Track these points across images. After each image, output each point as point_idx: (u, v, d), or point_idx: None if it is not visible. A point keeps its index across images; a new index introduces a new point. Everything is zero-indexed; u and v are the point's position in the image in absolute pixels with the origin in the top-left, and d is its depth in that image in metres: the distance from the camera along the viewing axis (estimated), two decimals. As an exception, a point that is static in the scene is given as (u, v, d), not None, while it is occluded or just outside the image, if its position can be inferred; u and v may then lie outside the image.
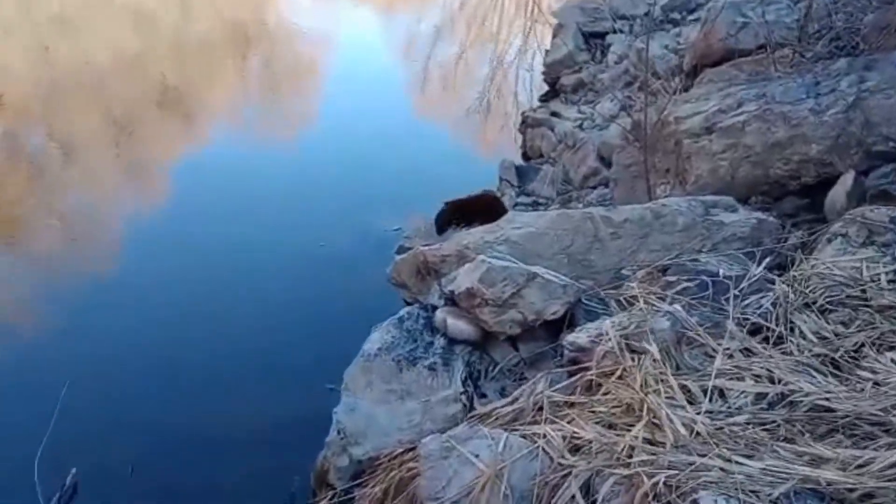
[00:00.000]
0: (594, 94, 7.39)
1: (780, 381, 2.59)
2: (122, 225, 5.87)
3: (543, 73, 8.89)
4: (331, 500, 3.10)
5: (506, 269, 3.29)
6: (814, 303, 3.02)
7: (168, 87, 9.74)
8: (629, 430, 2.42)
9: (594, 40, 8.55)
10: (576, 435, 2.51)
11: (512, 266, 3.32)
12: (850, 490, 1.99)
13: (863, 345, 2.73)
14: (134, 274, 5.04)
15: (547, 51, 9.23)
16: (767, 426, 2.41)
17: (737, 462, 2.14)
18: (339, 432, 3.15)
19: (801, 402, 2.49)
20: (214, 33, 12.79)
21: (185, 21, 13.24)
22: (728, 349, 2.81)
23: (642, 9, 8.48)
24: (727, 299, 3.09)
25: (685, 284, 3.25)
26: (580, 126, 6.65)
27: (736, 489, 1.98)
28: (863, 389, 2.48)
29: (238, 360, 4.20)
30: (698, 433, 2.36)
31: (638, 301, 3.13)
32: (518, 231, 3.75)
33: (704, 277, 3.23)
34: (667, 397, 2.54)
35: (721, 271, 3.25)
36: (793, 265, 3.34)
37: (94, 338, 4.33)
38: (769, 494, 1.97)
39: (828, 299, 3.01)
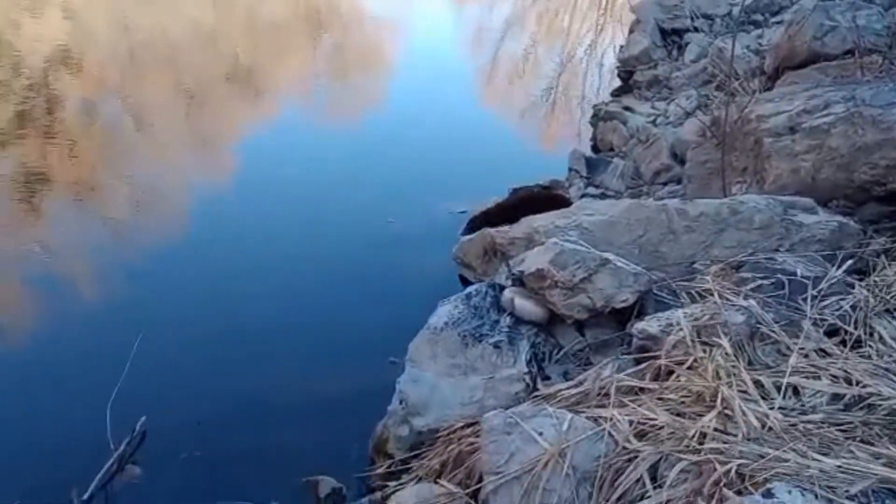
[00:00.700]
0: (669, 91, 7.29)
1: (857, 384, 2.54)
2: (193, 193, 6.00)
3: (617, 67, 8.81)
4: (388, 468, 3.14)
5: (578, 252, 3.28)
6: (895, 309, 2.95)
7: (242, 63, 9.92)
8: (699, 419, 2.39)
9: (671, 37, 8.43)
10: (643, 420, 2.50)
11: (584, 250, 3.31)
12: (931, 494, 1.95)
13: (945, 354, 2.66)
14: (207, 241, 5.14)
15: (622, 46, 9.13)
16: (843, 427, 2.37)
17: (812, 458, 2.11)
18: (401, 402, 3.19)
19: (880, 405, 2.44)
20: (289, 14, 12.96)
21: (261, 0, 13.43)
22: (803, 348, 2.77)
23: (723, 8, 8.34)
24: (804, 299, 3.04)
25: (760, 282, 3.20)
26: (653, 122, 6.57)
27: (812, 483, 1.95)
28: (944, 397, 2.42)
29: (302, 329, 4.26)
30: (771, 427, 2.33)
31: (712, 294, 3.09)
32: (590, 218, 3.74)
33: (781, 276, 3.18)
34: (739, 390, 2.51)
35: (799, 271, 3.19)
36: (874, 270, 3.26)
37: (167, 300, 4.43)
38: (846, 491, 1.94)
39: (910, 306, 2.93)
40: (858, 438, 2.29)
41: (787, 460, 2.07)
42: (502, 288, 3.51)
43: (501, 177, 5.94)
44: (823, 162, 3.93)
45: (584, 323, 3.36)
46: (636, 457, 2.35)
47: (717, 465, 2.08)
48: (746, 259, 3.43)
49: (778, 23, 7.59)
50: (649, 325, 2.95)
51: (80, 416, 3.48)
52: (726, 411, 2.38)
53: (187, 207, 5.75)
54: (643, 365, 2.83)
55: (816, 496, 1.91)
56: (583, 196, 5.63)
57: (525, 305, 3.35)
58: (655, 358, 2.81)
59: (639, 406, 2.53)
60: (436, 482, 2.80)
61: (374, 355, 3.89)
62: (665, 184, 5.61)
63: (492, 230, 4.21)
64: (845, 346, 2.81)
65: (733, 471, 2.06)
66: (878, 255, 3.40)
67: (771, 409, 2.42)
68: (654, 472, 2.31)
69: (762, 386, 2.56)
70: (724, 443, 2.22)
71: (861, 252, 3.44)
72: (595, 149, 7.24)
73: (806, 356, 2.73)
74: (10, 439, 3.36)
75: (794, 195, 3.88)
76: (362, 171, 6.39)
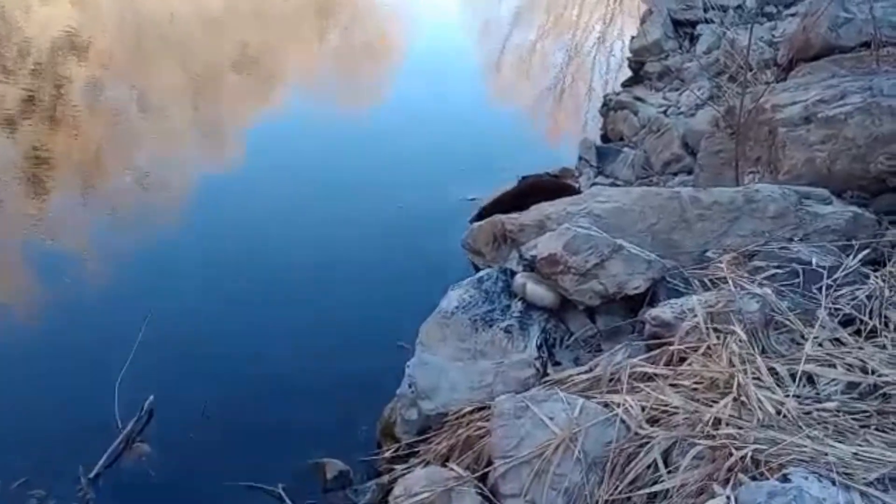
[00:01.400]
0: (680, 82, 7.24)
1: (873, 373, 2.52)
2: (202, 176, 6.00)
3: (629, 58, 8.75)
4: (395, 452, 3.12)
5: (591, 238, 3.25)
6: (911, 300, 2.92)
7: (251, 49, 9.89)
8: (713, 405, 2.37)
9: (684, 28, 8.37)
10: (655, 406, 2.48)
11: (597, 236, 3.29)
12: (950, 482, 1.92)
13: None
14: (216, 224, 5.14)
15: (633, 37, 9.07)
16: (858, 415, 2.35)
17: (828, 445, 2.09)
18: (410, 385, 3.17)
19: (895, 394, 2.41)
20: (298, 4, 12.91)
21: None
22: (818, 337, 2.74)
23: (736, 0, 8.27)
24: (819, 289, 3.01)
25: (774, 271, 3.18)
26: (664, 112, 6.53)
27: (829, 469, 1.93)
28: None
29: (312, 311, 4.26)
30: (786, 415, 2.31)
31: (725, 282, 3.07)
32: (603, 205, 3.70)
33: (795, 265, 3.16)
34: (753, 378, 2.49)
35: (814, 261, 3.17)
36: (889, 261, 3.23)
37: (176, 281, 4.42)
38: (863, 478, 1.92)
39: (926, 297, 2.90)
40: (874, 427, 2.27)
41: (803, 447, 2.05)
42: (514, 273, 3.49)
43: (511, 165, 5.91)
44: (839, 152, 3.89)
45: (596, 309, 3.33)
46: (648, 442, 2.34)
47: (733, 451, 2.06)
48: (760, 248, 3.40)
49: (792, 15, 7.52)
50: (663, 311, 2.92)
51: (88, 394, 3.47)
52: (741, 397, 2.36)
53: (196, 191, 5.75)
54: (656, 351, 2.81)
55: (834, 482, 1.88)
56: (593, 185, 5.59)
57: (536, 290, 3.32)
58: (668, 344, 2.79)
59: (651, 391, 2.50)
60: (444, 466, 2.79)
61: (382, 339, 3.88)
62: (676, 174, 5.58)
63: (502, 216, 4.18)
64: (860, 335, 2.80)
65: (749, 456, 2.04)
66: (893, 245, 3.37)
67: (786, 396, 2.40)
68: (665, 457, 2.29)
69: (777, 373, 2.55)
70: (739, 429, 2.19)
71: (876, 243, 3.41)
72: (605, 138, 7.20)
73: (821, 345, 2.71)
74: (19, 418, 3.36)
75: (808, 185, 3.85)
76: (371, 159, 6.36)
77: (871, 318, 2.83)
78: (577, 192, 5.35)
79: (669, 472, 2.20)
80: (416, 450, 3.05)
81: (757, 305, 2.84)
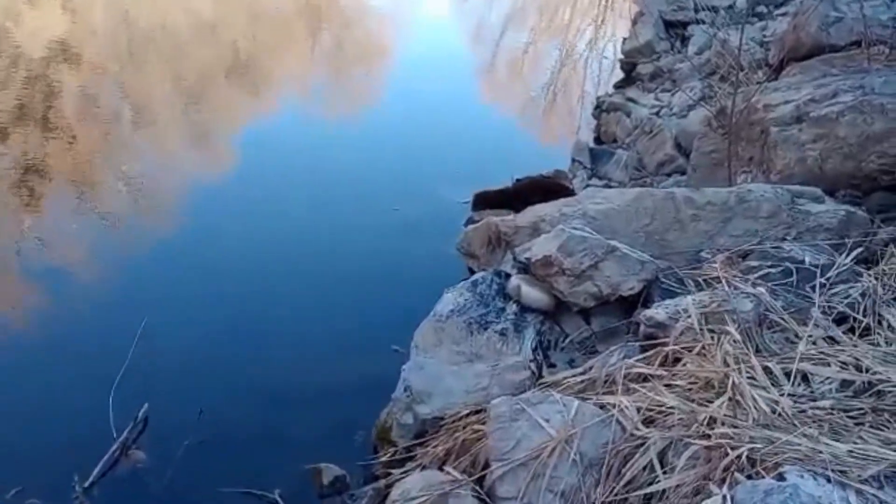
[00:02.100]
0: (672, 83, 7.26)
1: (867, 371, 2.53)
2: (196, 182, 5.99)
3: (620, 59, 8.77)
4: (392, 456, 3.12)
5: (585, 240, 3.25)
6: (904, 297, 2.93)
7: (244, 54, 9.89)
8: (709, 405, 2.37)
9: (675, 29, 8.40)
10: (651, 406, 2.47)
11: (591, 237, 3.29)
12: (945, 479, 1.93)
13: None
14: (210, 230, 5.13)
15: (625, 38, 9.09)
16: (853, 413, 2.35)
17: (824, 443, 2.09)
18: (405, 390, 3.16)
19: (890, 392, 2.42)
20: (291, 6, 12.91)
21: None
22: (812, 336, 2.75)
23: (727, 0, 8.30)
24: (812, 287, 3.02)
25: (768, 270, 3.18)
26: (657, 113, 6.55)
27: (824, 467, 1.93)
28: (955, 384, 2.40)
29: (306, 316, 4.25)
30: (781, 413, 2.31)
31: (719, 282, 3.07)
32: (597, 206, 3.71)
33: (789, 264, 3.16)
34: (748, 377, 2.49)
35: (807, 259, 3.17)
36: (882, 259, 3.24)
37: (171, 288, 4.42)
38: (858, 475, 1.92)
39: (919, 295, 2.91)
40: (868, 424, 2.27)
41: (798, 445, 2.05)
42: (508, 276, 3.49)
43: (505, 167, 5.90)
44: (831, 151, 3.90)
45: (590, 311, 3.34)
46: (644, 443, 2.34)
47: (729, 450, 2.06)
48: (754, 248, 3.40)
49: (782, 15, 7.56)
50: (657, 312, 2.93)
51: (83, 402, 3.46)
52: (736, 397, 2.36)
53: (190, 196, 5.73)
54: (651, 352, 2.81)
55: (829, 480, 1.89)
56: (586, 187, 5.60)
57: (531, 293, 3.33)
58: (663, 345, 2.79)
59: (647, 392, 2.50)
60: (440, 469, 2.78)
61: (378, 343, 3.88)
62: (669, 174, 5.59)
63: (496, 219, 4.18)
64: (854, 333, 2.80)
65: (744, 455, 2.04)
66: (885, 244, 3.38)
67: (781, 395, 2.41)
68: (661, 458, 2.29)
69: (771, 372, 2.55)
70: (735, 428, 2.19)
71: (869, 241, 3.41)
72: (598, 140, 7.22)
73: (815, 343, 2.72)
74: (13, 426, 3.35)
75: (800, 184, 3.86)
76: (365, 162, 6.37)
77: (864, 316, 2.84)
78: (571, 193, 5.35)
79: (665, 473, 2.20)
80: (413, 454, 3.04)
81: (751, 305, 2.84)
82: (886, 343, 2.71)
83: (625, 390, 2.63)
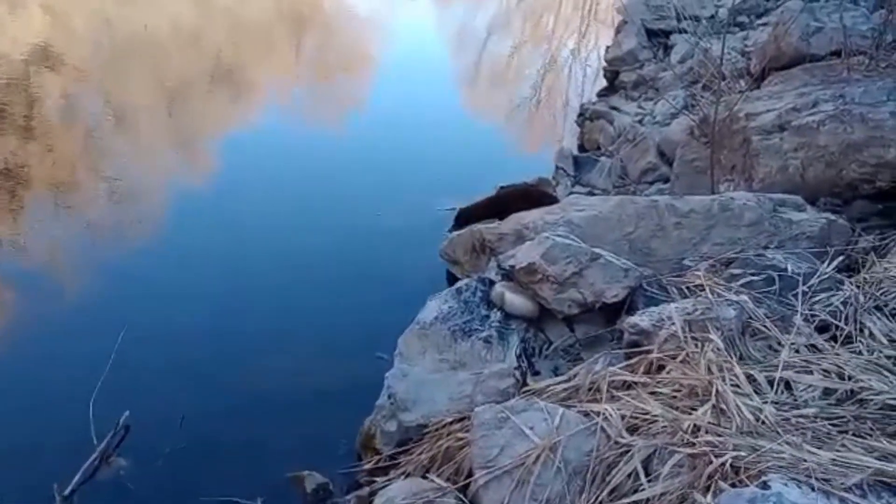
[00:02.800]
0: (655, 91, 7.30)
1: (849, 379, 2.55)
2: (177, 190, 5.93)
3: (604, 68, 8.83)
4: (375, 464, 3.10)
5: (569, 247, 3.26)
6: (885, 305, 2.97)
7: (226, 61, 9.85)
8: (692, 413, 2.38)
9: (657, 39, 8.46)
10: (635, 414, 2.48)
11: (575, 245, 3.30)
12: (927, 486, 1.94)
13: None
14: (191, 238, 5.09)
15: (608, 46, 9.15)
16: (836, 421, 2.36)
17: (807, 451, 2.10)
18: (389, 397, 3.15)
19: (872, 400, 2.44)
20: (273, 15, 12.89)
21: (245, 0, 13.35)
22: (795, 344, 2.77)
23: (709, 10, 8.38)
24: (795, 295, 3.04)
25: (751, 278, 3.21)
26: (640, 121, 6.58)
27: (808, 475, 1.94)
28: (936, 392, 2.42)
29: (289, 323, 4.21)
30: (764, 421, 2.32)
31: (703, 290, 3.09)
32: (580, 213, 3.72)
33: (771, 272, 3.19)
34: (732, 385, 2.50)
35: (789, 267, 3.20)
36: (863, 267, 3.27)
37: (152, 296, 4.36)
38: (841, 483, 1.93)
39: (900, 303, 2.94)
40: (851, 432, 2.29)
41: (781, 453, 2.06)
42: (492, 283, 3.49)
43: (489, 175, 5.92)
44: (812, 160, 3.94)
45: (574, 318, 3.34)
46: (628, 451, 2.34)
47: (713, 458, 2.06)
48: (737, 255, 3.42)
49: (763, 24, 7.63)
50: (641, 319, 2.94)
51: (63, 410, 3.40)
52: (720, 405, 2.37)
53: (171, 204, 5.68)
54: (635, 360, 2.82)
55: (813, 488, 1.89)
56: (570, 194, 5.61)
57: (515, 300, 3.33)
58: (647, 353, 2.80)
59: (631, 400, 2.51)
60: (424, 477, 2.77)
61: (361, 350, 3.86)
62: (652, 182, 5.61)
63: (480, 226, 4.19)
64: (836, 341, 2.82)
65: (728, 463, 2.04)
66: (866, 252, 3.41)
67: (764, 403, 2.42)
68: (646, 465, 2.29)
69: (754, 380, 2.56)
70: (719, 436, 2.20)
71: (850, 249, 3.45)
72: (582, 148, 7.25)
73: (797, 351, 2.74)
74: (-9, 435, 3.29)
75: (782, 193, 3.89)
76: (348, 170, 6.35)
77: (846, 324, 2.86)
78: (555, 200, 5.36)
79: (650, 481, 2.21)
80: (397, 461, 3.03)
81: (734, 313, 2.86)
82: (868, 351, 2.73)
83: (609, 398, 2.63)
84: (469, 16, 14.42)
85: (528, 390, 3.00)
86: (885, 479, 1.97)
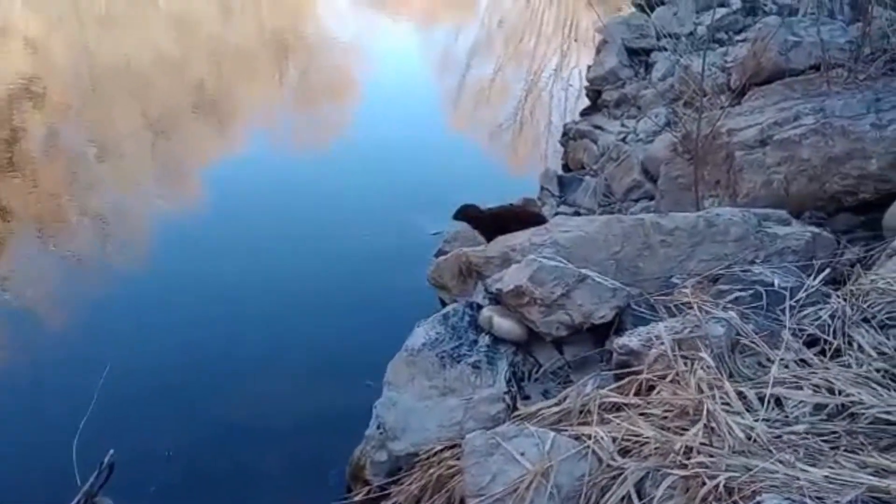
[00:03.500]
0: (637, 109, 7.34)
1: (840, 393, 2.52)
2: (163, 220, 5.92)
3: (586, 87, 8.87)
4: (366, 495, 3.06)
5: (556, 269, 3.24)
6: (872, 318, 2.94)
7: (210, 90, 9.86)
8: (684, 433, 2.35)
9: (638, 57, 8.53)
10: (627, 437, 2.45)
11: (562, 266, 3.28)
12: (921, 502, 1.91)
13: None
14: (176, 267, 5.07)
15: (589, 66, 9.21)
16: (828, 437, 2.34)
17: (800, 469, 2.07)
18: (378, 427, 3.11)
19: (863, 414, 2.41)
20: (257, 41, 12.93)
21: (227, 28, 13.39)
22: (784, 359, 2.74)
23: (688, 27, 8.45)
24: (783, 310, 3.02)
25: (738, 294, 3.18)
26: (623, 139, 6.60)
27: (801, 494, 1.91)
28: (927, 405, 2.40)
29: (276, 353, 4.19)
30: (756, 440, 2.29)
31: (691, 308, 3.06)
32: (566, 234, 3.71)
33: (759, 287, 3.17)
34: (722, 403, 2.47)
35: (776, 282, 3.18)
36: (849, 280, 3.26)
37: (135, 330, 4.34)
38: (836, 501, 1.90)
39: (888, 315, 2.92)
40: (843, 448, 2.26)
41: (774, 472, 2.03)
42: (480, 307, 3.46)
43: (474, 198, 5.89)
44: (796, 173, 3.95)
45: (563, 340, 3.32)
46: (621, 474, 2.30)
47: (706, 479, 2.03)
48: (723, 271, 3.41)
49: (742, 41, 7.71)
50: (629, 339, 2.91)
51: (46, 450, 3.36)
52: (711, 424, 2.34)
53: (156, 235, 5.66)
54: (625, 381, 2.79)
55: (806, 507, 1.87)
56: (556, 214, 5.60)
57: (503, 324, 3.30)
58: (637, 373, 2.77)
59: (622, 422, 2.48)
60: (416, 508, 2.73)
61: (350, 378, 3.83)
62: (637, 200, 5.62)
63: (467, 249, 4.16)
64: (825, 355, 2.79)
65: (721, 485, 2.01)
66: (852, 264, 3.41)
67: (755, 421, 2.39)
68: (639, 489, 2.26)
69: (745, 398, 2.53)
70: (711, 456, 2.17)
71: (836, 262, 3.44)
72: (566, 167, 7.26)
73: (787, 367, 2.71)
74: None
75: (767, 207, 3.89)
76: (334, 196, 6.35)
77: (834, 338, 2.83)
78: (544, 221, 5.35)
79: (644, 504, 2.17)
80: (388, 492, 2.99)
81: (722, 329, 2.84)
82: (857, 364, 2.70)
83: (600, 420, 2.60)
84: (451, 38, 14.49)
85: (519, 415, 2.97)
86: (879, 495, 1.95)
